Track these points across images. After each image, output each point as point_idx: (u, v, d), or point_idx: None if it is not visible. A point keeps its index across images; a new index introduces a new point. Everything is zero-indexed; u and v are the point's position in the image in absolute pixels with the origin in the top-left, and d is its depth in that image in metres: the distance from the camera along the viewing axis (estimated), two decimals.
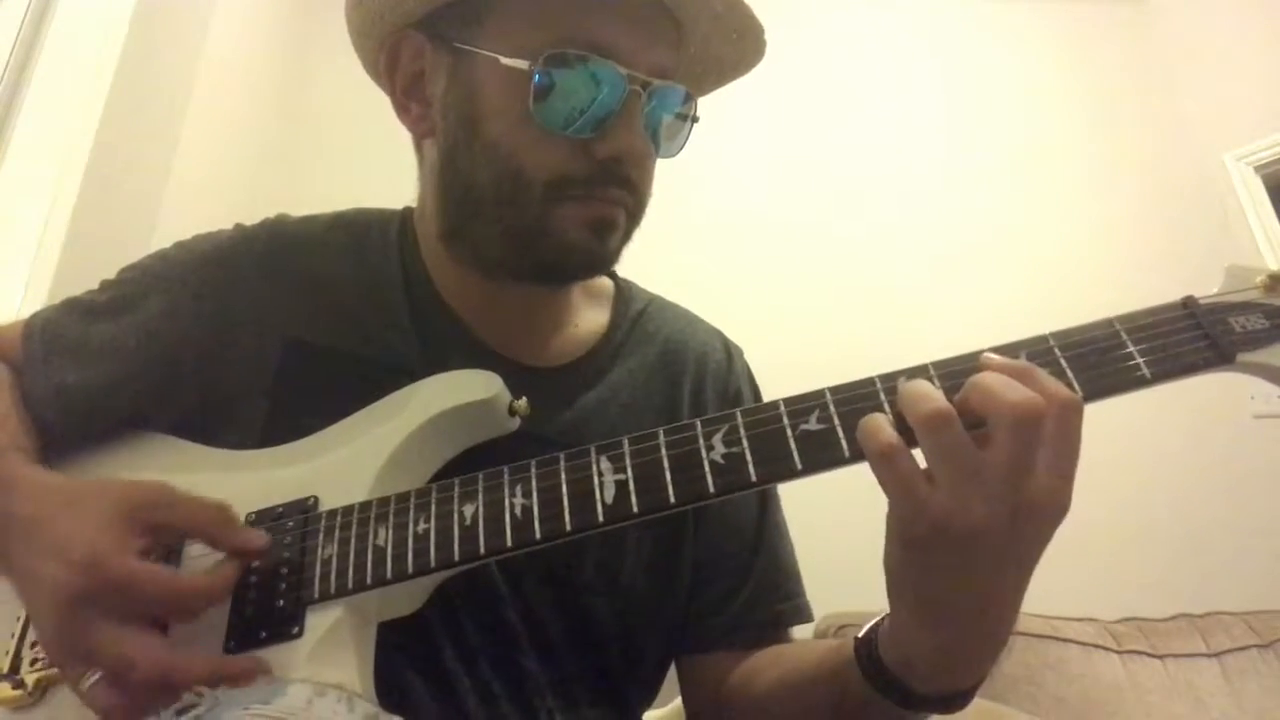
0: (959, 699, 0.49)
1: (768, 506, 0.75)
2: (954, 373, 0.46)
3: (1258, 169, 2.34)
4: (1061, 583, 1.93)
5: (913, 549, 0.44)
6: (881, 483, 0.43)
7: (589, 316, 0.74)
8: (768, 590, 0.72)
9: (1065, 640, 1.58)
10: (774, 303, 2.11)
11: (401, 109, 0.67)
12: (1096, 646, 1.61)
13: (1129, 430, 2.12)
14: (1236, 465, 2.10)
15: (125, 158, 1.50)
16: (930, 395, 0.43)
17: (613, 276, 0.79)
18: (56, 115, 1.41)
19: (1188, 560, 1.98)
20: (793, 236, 2.22)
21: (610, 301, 0.77)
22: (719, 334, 0.81)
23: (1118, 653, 1.61)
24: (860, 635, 0.52)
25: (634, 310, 0.76)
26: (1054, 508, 0.42)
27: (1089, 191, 2.36)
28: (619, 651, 0.66)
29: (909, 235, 2.26)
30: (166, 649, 0.47)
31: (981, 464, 0.41)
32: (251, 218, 0.75)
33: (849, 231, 2.25)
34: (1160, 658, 1.62)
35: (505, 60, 0.58)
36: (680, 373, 0.74)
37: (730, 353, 0.80)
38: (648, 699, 0.73)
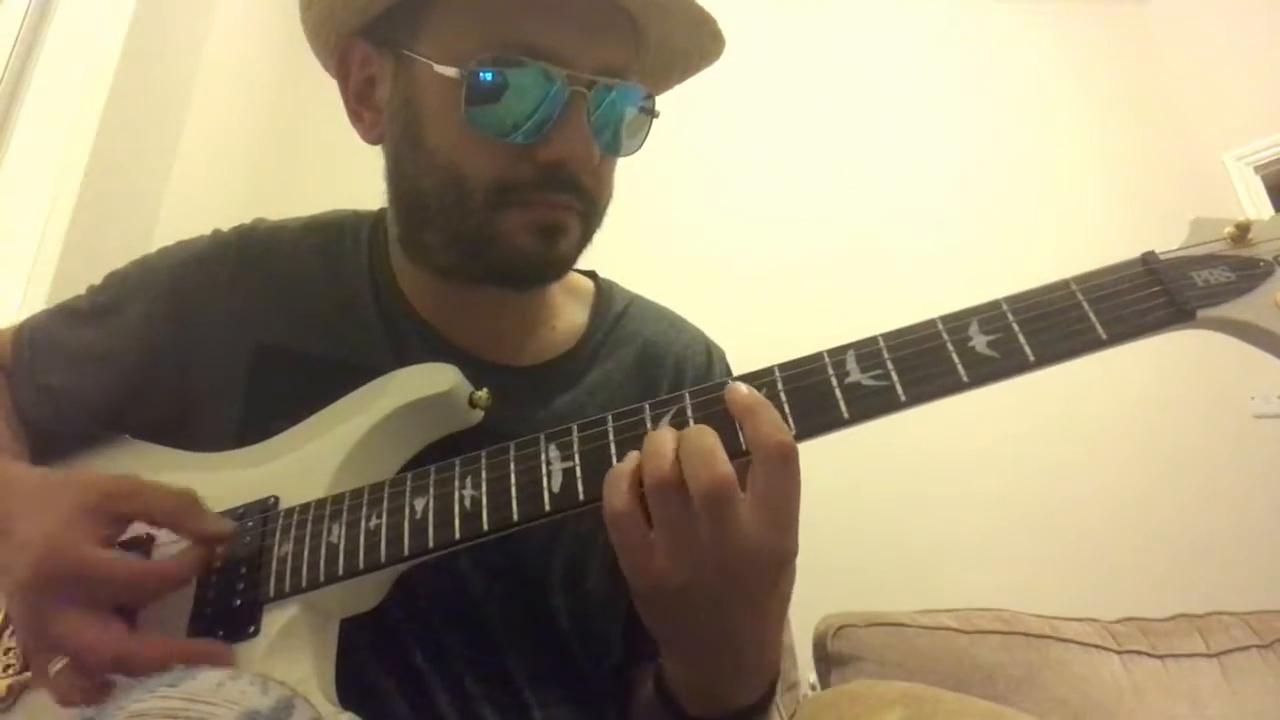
0: (736, 718, 0.52)
1: None
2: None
3: (1258, 169, 2.35)
4: (1061, 583, 1.94)
5: (642, 600, 0.48)
6: (612, 542, 0.46)
7: (568, 317, 0.73)
8: None
9: (1065, 640, 1.57)
10: (770, 300, 2.11)
11: (355, 116, 0.66)
12: (1096, 646, 1.60)
13: (1129, 430, 2.11)
14: (1236, 465, 2.10)
15: (125, 159, 1.49)
16: (664, 458, 0.44)
17: (594, 277, 0.78)
18: (56, 115, 1.41)
19: (1188, 560, 1.98)
20: (787, 233, 2.22)
21: (590, 302, 0.76)
22: (701, 335, 0.80)
23: (1118, 653, 1.60)
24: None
25: (614, 311, 0.75)
26: (769, 555, 0.44)
27: (1088, 191, 2.36)
28: (582, 651, 0.67)
29: (907, 235, 2.26)
30: (122, 634, 0.48)
31: (693, 526, 0.43)
32: (251, 219, 0.75)
33: (846, 230, 2.25)
34: (1160, 658, 1.61)
35: (438, 67, 0.57)
36: (658, 375, 0.73)
37: (711, 355, 0.78)
38: (614, 700, 0.72)
